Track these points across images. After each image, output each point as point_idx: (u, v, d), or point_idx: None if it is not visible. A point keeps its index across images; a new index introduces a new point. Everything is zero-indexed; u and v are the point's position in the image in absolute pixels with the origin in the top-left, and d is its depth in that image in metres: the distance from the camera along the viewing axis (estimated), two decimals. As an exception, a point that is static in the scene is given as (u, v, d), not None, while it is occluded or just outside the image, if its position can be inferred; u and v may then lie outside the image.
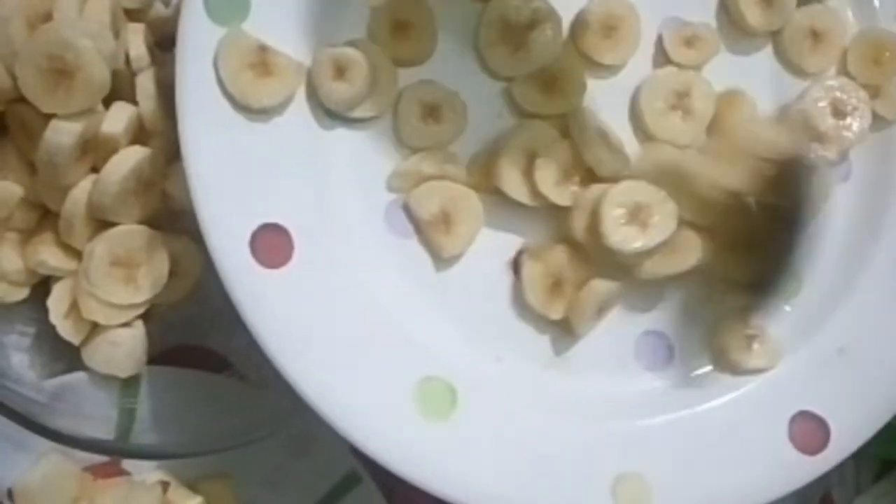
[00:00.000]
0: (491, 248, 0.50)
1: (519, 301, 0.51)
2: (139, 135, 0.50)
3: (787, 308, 0.53)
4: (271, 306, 0.46)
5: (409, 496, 0.51)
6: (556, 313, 0.50)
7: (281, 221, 0.47)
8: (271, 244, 0.47)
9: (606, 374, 0.51)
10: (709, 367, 0.52)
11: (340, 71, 0.48)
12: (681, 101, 0.51)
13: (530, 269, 0.50)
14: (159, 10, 0.53)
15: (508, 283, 0.51)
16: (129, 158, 0.49)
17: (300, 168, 0.48)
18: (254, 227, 0.47)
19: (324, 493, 0.56)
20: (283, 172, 0.48)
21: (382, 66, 0.49)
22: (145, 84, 0.50)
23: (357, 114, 0.49)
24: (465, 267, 0.50)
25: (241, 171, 0.47)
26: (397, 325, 0.49)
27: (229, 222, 0.46)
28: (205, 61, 0.47)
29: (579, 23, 0.51)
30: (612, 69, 0.52)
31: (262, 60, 0.47)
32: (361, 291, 0.48)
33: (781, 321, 0.53)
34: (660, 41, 0.53)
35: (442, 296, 0.50)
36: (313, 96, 0.48)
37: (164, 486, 0.54)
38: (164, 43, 0.53)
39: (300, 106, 0.49)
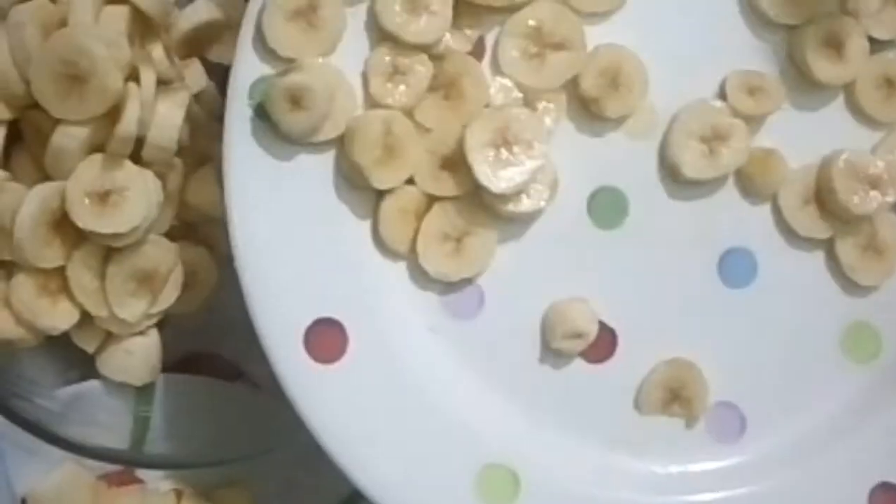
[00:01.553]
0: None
1: (582, 382, 0.50)
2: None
3: (866, 370, 0.51)
4: (327, 403, 0.46)
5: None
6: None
7: (335, 315, 0.46)
8: (325, 339, 0.46)
9: (676, 449, 0.50)
10: (784, 438, 0.50)
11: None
12: (713, 139, 0.49)
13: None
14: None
15: (569, 364, 0.50)
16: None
17: (352, 260, 0.48)
18: (308, 321, 0.46)
19: (338, 502, 0.55)
20: (336, 265, 0.47)
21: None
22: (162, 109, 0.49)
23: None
24: (525, 350, 0.49)
25: (294, 265, 0.47)
26: (455, 412, 0.48)
27: (283, 318, 0.46)
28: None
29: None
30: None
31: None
32: (416, 380, 0.48)
33: (860, 384, 0.51)
34: (723, 86, 0.50)
35: (501, 379, 0.49)
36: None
37: (178, 494, 0.54)
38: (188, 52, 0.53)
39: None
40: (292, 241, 0.46)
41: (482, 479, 0.47)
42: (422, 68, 0.48)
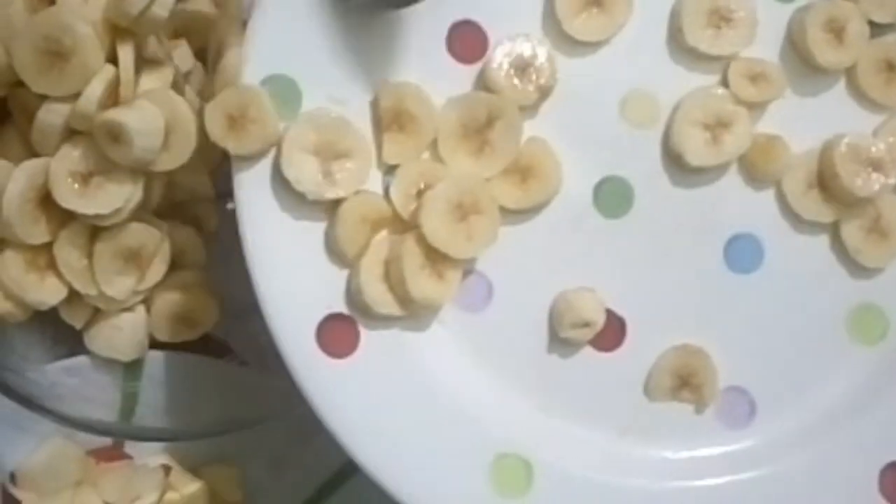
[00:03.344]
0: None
1: (592, 370, 0.50)
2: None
3: (873, 351, 0.52)
4: (341, 397, 0.46)
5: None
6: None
7: (346, 311, 0.47)
8: (337, 334, 0.47)
9: (687, 435, 0.51)
10: (794, 421, 0.51)
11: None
12: (716, 127, 0.50)
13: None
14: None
15: (579, 353, 0.50)
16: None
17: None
18: (321, 317, 0.47)
19: (326, 477, 0.56)
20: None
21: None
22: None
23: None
24: (534, 340, 0.50)
25: (304, 263, 0.47)
26: (466, 403, 0.49)
27: (296, 314, 0.46)
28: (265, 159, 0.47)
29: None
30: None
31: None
32: (428, 372, 0.48)
33: (868, 364, 0.51)
34: (725, 73, 0.50)
35: (511, 369, 0.49)
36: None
37: (167, 470, 0.55)
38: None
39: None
40: (302, 236, 0.47)
41: (496, 468, 0.48)
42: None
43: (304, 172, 0.46)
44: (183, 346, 0.54)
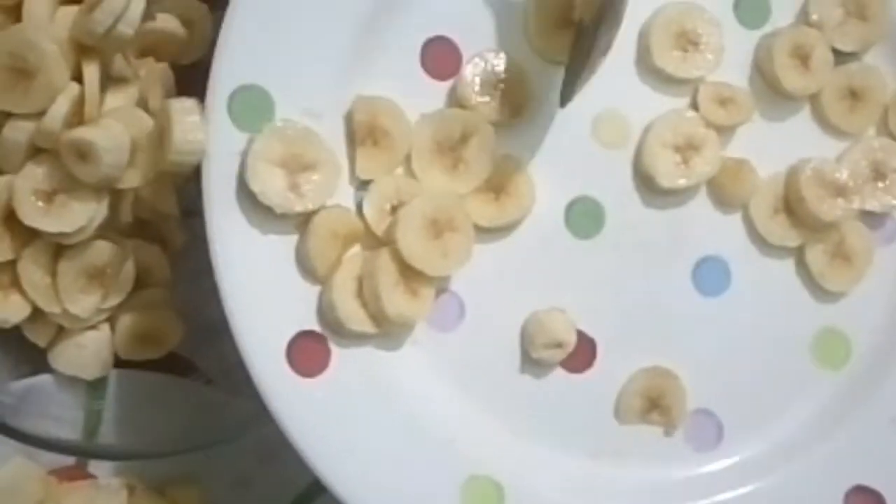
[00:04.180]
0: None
1: (562, 391, 0.50)
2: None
3: (838, 375, 0.52)
4: (310, 416, 0.45)
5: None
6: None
7: (317, 328, 0.46)
8: (308, 352, 0.45)
9: (656, 458, 0.50)
10: (761, 445, 0.51)
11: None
12: (686, 149, 0.50)
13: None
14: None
15: (550, 374, 0.50)
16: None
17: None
18: (291, 334, 0.45)
19: (292, 498, 0.55)
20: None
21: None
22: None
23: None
24: (506, 361, 0.49)
25: (274, 279, 0.46)
26: (438, 424, 0.48)
27: (265, 331, 0.45)
28: (232, 170, 0.46)
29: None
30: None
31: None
32: (399, 392, 0.48)
33: (832, 388, 0.52)
34: (694, 97, 0.51)
35: (483, 391, 0.49)
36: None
37: (130, 489, 0.53)
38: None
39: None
40: (272, 251, 0.46)
41: (466, 490, 0.47)
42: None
43: (270, 185, 0.45)
44: (148, 364, 0.53)
